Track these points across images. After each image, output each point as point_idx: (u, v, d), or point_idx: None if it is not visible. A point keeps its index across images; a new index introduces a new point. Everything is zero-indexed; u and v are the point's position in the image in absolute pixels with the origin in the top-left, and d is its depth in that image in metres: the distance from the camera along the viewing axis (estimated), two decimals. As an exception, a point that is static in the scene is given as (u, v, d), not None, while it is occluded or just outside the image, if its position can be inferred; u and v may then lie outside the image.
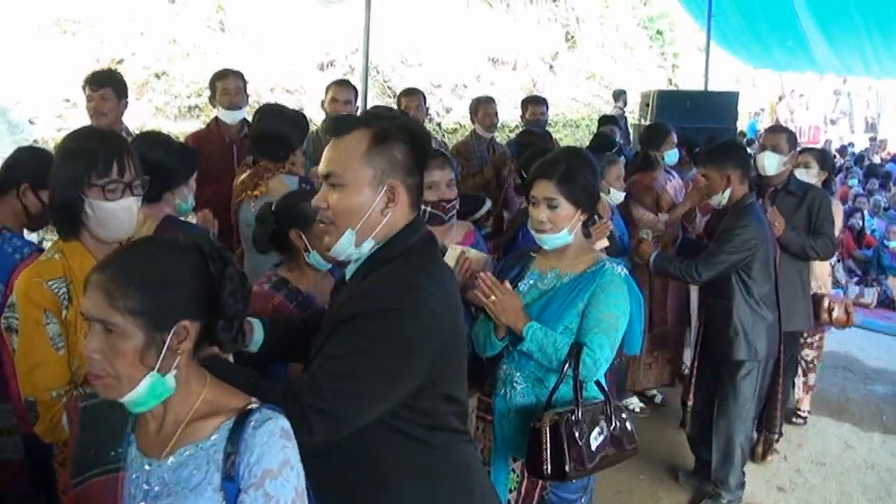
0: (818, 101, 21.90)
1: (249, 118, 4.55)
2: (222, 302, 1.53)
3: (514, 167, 4.94)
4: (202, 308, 1.52)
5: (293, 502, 1.48)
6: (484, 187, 5.45)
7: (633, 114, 11.18)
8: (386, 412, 1.76)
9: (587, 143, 5.65)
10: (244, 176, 3.77)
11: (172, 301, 1.48)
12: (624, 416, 2.68)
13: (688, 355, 5.06)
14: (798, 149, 4.67)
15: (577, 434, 2.50)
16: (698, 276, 3.79)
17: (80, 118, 5.30)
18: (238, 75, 4.90)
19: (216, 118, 4.89)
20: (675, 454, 4.54)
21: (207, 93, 5.20)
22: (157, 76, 10.06)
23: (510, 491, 2.81)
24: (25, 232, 3.01)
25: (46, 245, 2.57)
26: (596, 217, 3.18)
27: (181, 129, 8.71)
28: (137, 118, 9.27)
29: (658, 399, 5.29)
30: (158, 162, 2.94)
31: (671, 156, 5.23)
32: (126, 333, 1.43)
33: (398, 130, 1.84)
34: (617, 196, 4.49)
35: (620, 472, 4.04)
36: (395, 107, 6.22)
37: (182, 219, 3.16)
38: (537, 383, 2.69)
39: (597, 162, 2.80)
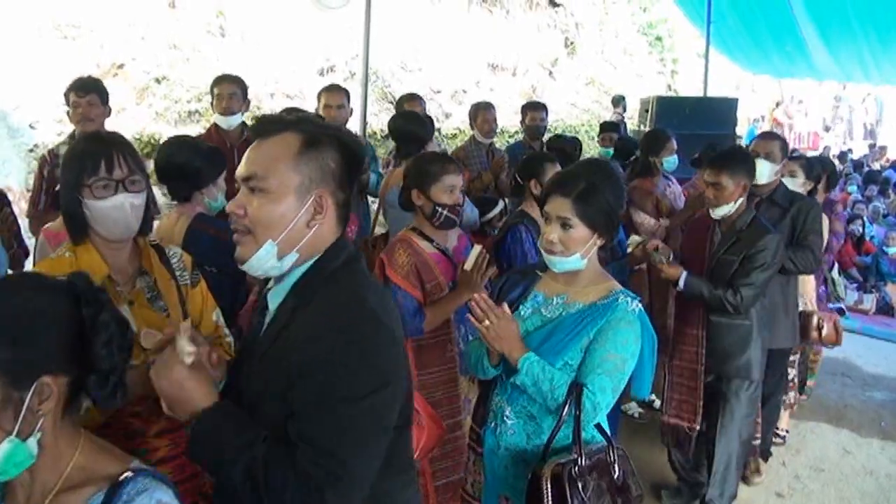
0: (817, 107, 21.91)
1: (250, 123, 4.59)
2: (94, 353, 1.35)
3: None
4: (70, 360, 1.33)
5: None
6: (482, 192, 5.48)
7: (632, 120, 11.19)
8: None
9: (588, 149, 5.66)
10: None
11: (32, 353, 1.28)
12: (627, 460, 2.40)
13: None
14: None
15: (580, 486, 2.24)
16: (741, 303, 3.55)
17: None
18: (235, 80, 4.93)
19: (215, 123, 4.92)
20: (656, 472, 4.44)
21: (208, 98, 5.23)
22: (158, 81, 10.06)
23: None
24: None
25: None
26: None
27: (181, 133, 8.69)
28: (137, 123, 9.28)
29: (657, 404, 5.29)
30: (186, 164, 3.11)
31: (670, 162, 5.24)
32: None
33: (332, 139, 1.68)
34: None
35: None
36: (394, 112, 6.23)
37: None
38: (529, 420, 2.45)
39: (620, 179, 2.60)
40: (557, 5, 16.49)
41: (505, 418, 2.50)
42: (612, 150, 6.63)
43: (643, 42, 18.73)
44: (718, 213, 3.70)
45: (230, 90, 4.86)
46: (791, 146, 18.03)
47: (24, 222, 4.50)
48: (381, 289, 1.79)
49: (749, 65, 12.64)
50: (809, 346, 5.00)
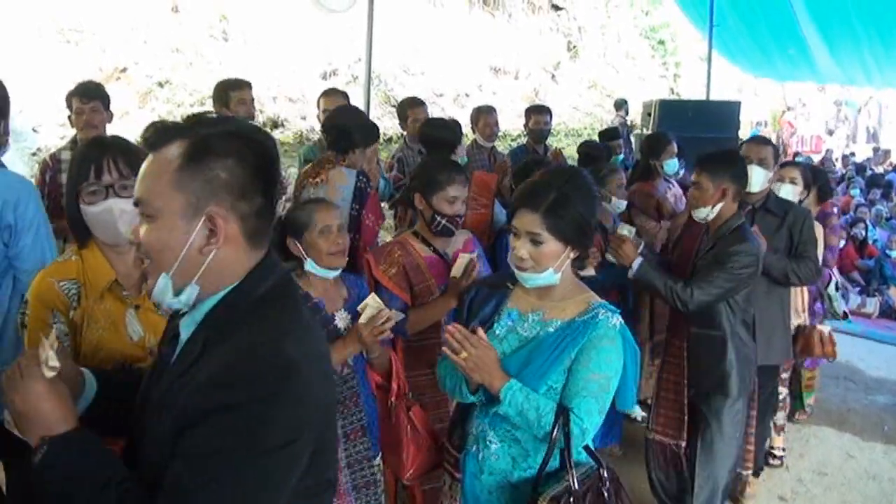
0: (820, 110, 21.93)
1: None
2: None
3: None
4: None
5: None
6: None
7: (635, 123, 11.20)
8: None
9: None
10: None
11: None
12: (616, 479, 2.29)
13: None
14: (780, 162, 4.39)
15: None
16: (690, 300, 3.33)
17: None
18: (250, 85, 4.99)
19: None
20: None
21: (210, 101, 5.24)
22: (160, 85, 10.09)
23: None
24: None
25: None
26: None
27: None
28: (140, 127, 9.29)
29: None
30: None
31: (671, 165, 5.24)
32: None
33: (224, 141, 1.41)
34: (619, 205, 4.55)
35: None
36: (396, 116, 6.23)
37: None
38: (514, 444, 2.31)
39: (596, 187, 2.38)
40: (560, 9, 16.52)
41: (488, 443, 2.34)
42: (620, 157, 6.65)
43: (646, 45, 18.75)
44: (697, 215, 3.53)
45: (251, 95, 4.95)
46: (794, 149, 17.99)
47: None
48: (308, 319, 1.53)
49: (751, 68, 12.63)
50: (801, 363, 4.96)
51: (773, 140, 7.76)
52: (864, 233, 10.31)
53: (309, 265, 2.85)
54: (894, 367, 6.67)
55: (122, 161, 2.22)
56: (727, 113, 8.60)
